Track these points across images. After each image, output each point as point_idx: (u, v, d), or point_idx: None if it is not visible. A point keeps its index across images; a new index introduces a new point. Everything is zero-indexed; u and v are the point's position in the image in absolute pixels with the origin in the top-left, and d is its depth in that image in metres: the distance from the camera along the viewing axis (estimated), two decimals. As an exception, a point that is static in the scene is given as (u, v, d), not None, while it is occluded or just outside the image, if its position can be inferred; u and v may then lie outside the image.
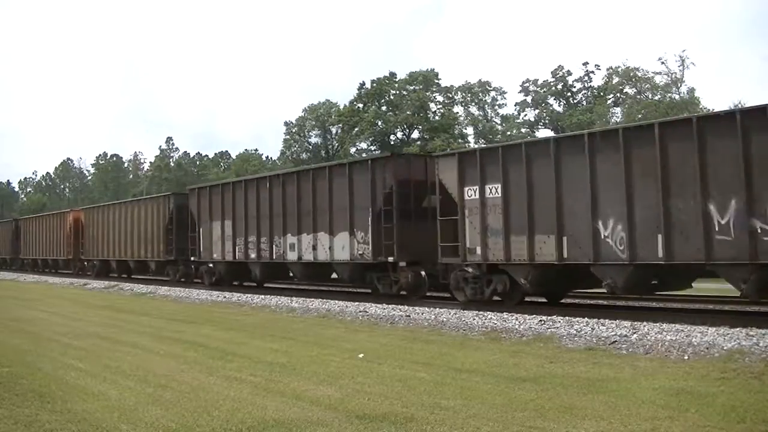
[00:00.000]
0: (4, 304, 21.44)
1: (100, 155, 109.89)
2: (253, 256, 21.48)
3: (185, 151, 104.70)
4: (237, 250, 22.23)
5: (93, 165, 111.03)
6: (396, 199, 16.77)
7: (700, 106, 47.09)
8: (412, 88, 64.86)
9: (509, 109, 69.56)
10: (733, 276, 11.35)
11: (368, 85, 65.84)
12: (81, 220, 35.65)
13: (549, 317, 12.80)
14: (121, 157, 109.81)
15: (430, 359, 9.72)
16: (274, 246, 20.57)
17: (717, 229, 11.16)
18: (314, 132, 75.13)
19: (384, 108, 65.04)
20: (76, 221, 36.14)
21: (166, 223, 26.79)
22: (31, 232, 42.49)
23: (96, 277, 33.17)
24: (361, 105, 65.88)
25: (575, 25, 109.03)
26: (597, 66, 61.31)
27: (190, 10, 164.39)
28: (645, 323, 11.42)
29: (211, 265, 24.08)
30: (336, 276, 20.05)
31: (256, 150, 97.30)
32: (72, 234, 36.12)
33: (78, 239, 35.73)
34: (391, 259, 16.76)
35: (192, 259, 25.00)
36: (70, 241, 36.27)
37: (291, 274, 21.58)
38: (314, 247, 18.97)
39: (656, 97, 52.27)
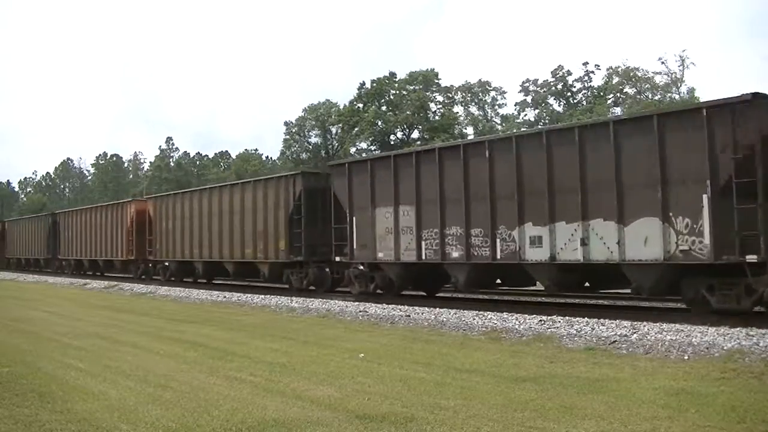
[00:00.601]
0: (4, 304, 21.44)
1: (100, 155, 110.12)
2: (455, 255, 15.41)
3: (185, 151, 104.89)
4: (424, 247, 16.09)
5: (93, 165, 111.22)
6: (764, 166, 11.06)
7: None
8: (412, 88, 64.94)
9: (509, 109, 69.73)
10: None
11: (368, 85, 65.93)
12: (148, 212, 28.59)
13: (549, 317, 12.80)
14: (121, 157, 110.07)
15: (430, 359, 9.72)
16: (498, 240, 14.56)
17: None
18: (314, 132, 75.22)
19: (384, 108, 65.11)
20: (141, 213, 29.25)
21: (290, 213, 20.26)
22: (75, 229, 35.74)
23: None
24: (361, 105, 65.95)
25: (575, 25, 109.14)
26: (597, 66, 61.39)
27: (190, 10, 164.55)
28: (645, 323, 11.42)
29: (361, 266, 18.23)
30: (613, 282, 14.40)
31: (256, 150, 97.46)
32: (134, 229, 29.40)
33: (143, 236, 28.76)
34: (753, 258, 11.05)
35: (337, 259, 18.98)
36: (131, 238, 29.59)
37: (497, 280, 17.02)
38: (584, 241, 13.16)
39: (656, 97, 52.39)
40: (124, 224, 30.36)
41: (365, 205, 17.62)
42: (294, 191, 20.31)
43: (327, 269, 19.98)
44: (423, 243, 16.21)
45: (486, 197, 14.73)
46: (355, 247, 18.01)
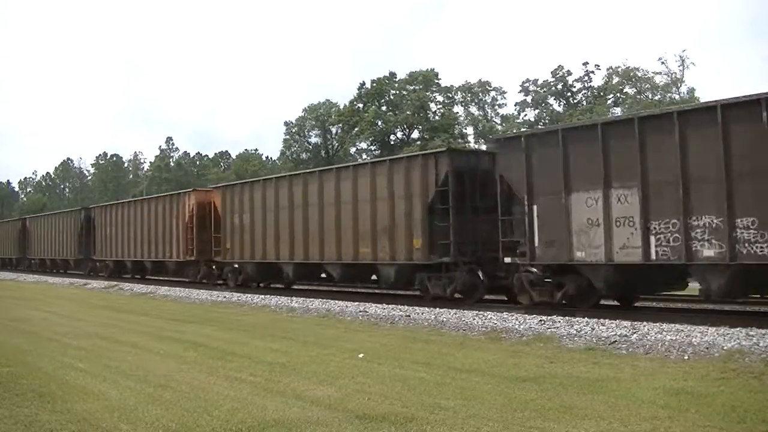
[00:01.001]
0: (4, 304, 21.42)
1: (100, 155, 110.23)
2: (709, 253, 11.68)
3: (185, 151, 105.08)
4: (654, 244, 12.19)
5: (93, 165, 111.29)
6: None
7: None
8: (412, 88, 65.02)
9: (509, 109, 69.82)
10: None
11: (368, 85, 66.00)
12: (214, 204, 24.16)
13: (549, 317, 12.79)
14: (121, 157, 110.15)
15: (430, 359, 9.72)
16: None
17: None
18: (314, 132, 75.30)
19: (384, 108, 65.19)
20: (203, 206, 24.80)
21: (430, 202, 15.99)
22: (115, 226, 31.33)
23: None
24: (361, 105, 66.04)
25: (575, 25, 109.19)
26: (597, 66, 61.49)
27: (190, 10, 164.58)
28: (645, 323, 11.42)
29: (533, 269, 14.25)
30: None
31: (256, 150, 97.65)
32: (195, 225, 24.79)
33: (205, 233, 24.44)
34: None
35: (507, 260, 14.51)
36: (190, 235, 24.94)
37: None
38: None
39: (656, 97, 52.41)
40: (180, 219, 25.52)
41: (554, 190, 13.62)
42: (436, 174, 15.88)
43: (479, 272, 15.64)
44: (652, 238, 12.30)
45: (765, 173, 10.96)
46: (536, 244, 13.95)
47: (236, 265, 23.01)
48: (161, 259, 27.46)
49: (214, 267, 24.62)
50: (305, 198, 19.65)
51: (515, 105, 66.79)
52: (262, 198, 21.47)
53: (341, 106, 69.57)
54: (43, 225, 41.09)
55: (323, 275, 20.53)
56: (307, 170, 23.08)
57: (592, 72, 61.36)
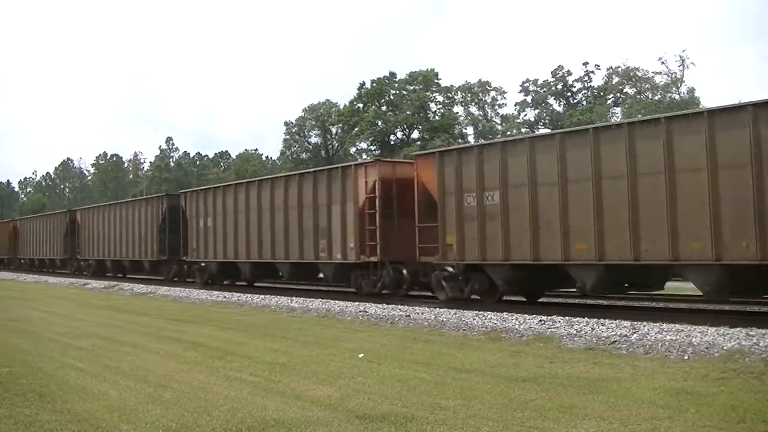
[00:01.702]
0: (4, 304, 21.39)
1: (100, 155, 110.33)
2: None
3: (185, 151, 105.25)
4: None
5: (93, 165, 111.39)
6: None
7: (700, 106, 47.23)
8: (412, 88, 64.99)
9: (509, 109, 69.82)
10: None
11: (368, 85, 65.97)
12: (420, 179, 16.47)
13: (549, 317, 12.78)
14: (121, 157, 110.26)
15: (430, 359, 9.72)
16: None
17: None
18: (314, 132, 75.33)
19: (384, 108, 65.16)
20: (389, 184, 17.52)
21: None
22: (216, 216, 23.56)
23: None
24: (361, 105, 66.03)
25: (575, 25, 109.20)
26: (597, 66, 61.52)
27: (190, 10, 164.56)
28: (645, 323, 11.41)
29: None
30: None
31: (256, 150, 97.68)
32: (378, 211, 17.34)
33: (393, 221, 17.36)
34: None
35: None
36: (371, 226, 17.39)
37: None
38: None
39: (656, 97, 52.41)
40: (351, 203, 18.00)
41: None
42: None
43: None
44: None
45: None
46: None
47: (450, 268, 16.05)
48: (311, 260, 19.64)
49: (404, 271, 17.37)
50: (632, 165, 12.21)
51: (515, 105, 66.87)
52: (531, 165, 13.79)
53: (341, 106, 69.62)
54: (101, 218, 33.03)
55: (630, 283, 13.91)
56: (634, 120, 14.16)
57: (592, 72, 61.47)
